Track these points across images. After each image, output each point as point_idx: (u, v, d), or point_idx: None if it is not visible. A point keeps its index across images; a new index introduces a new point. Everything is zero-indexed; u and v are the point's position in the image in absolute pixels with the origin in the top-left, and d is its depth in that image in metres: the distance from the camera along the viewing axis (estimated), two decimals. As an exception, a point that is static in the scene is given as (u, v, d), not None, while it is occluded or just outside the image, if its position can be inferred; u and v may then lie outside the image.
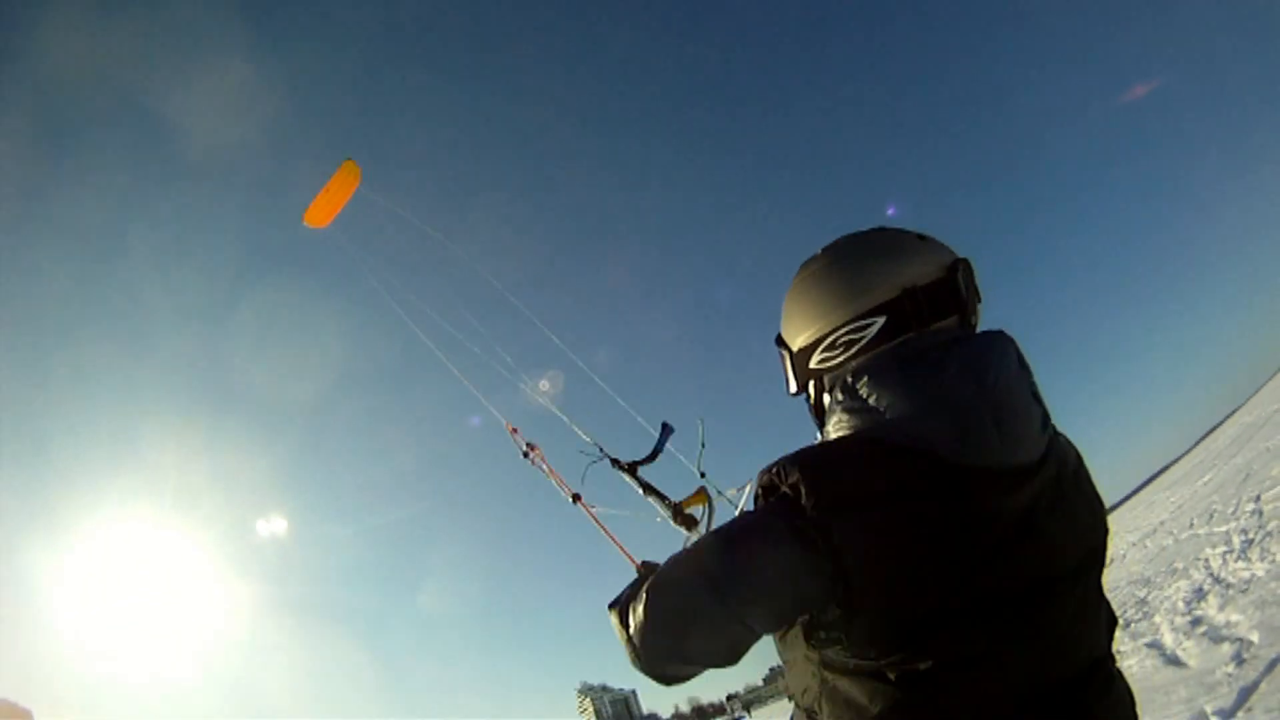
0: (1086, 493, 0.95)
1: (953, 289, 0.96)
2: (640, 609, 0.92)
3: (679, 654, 0.92)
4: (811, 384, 1.04)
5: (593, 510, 2.08)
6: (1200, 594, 7.39)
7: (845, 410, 0.92)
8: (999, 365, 0.89)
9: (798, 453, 0.88)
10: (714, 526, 1.86)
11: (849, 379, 0.94)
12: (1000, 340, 0.94)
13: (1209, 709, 4.18)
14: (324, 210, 4.16)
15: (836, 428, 0.93)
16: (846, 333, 0.96)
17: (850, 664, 0.86)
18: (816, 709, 0.93)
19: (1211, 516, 11.81)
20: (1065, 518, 0.89)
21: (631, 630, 0.94)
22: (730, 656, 0.90)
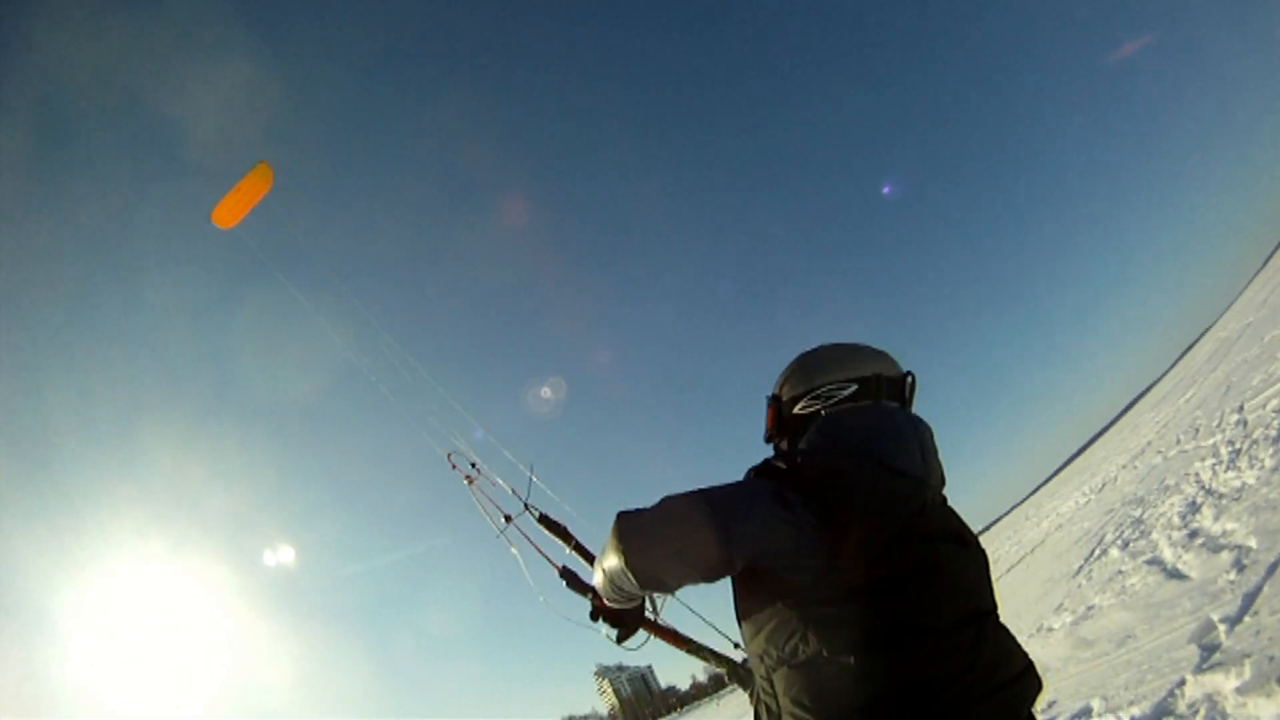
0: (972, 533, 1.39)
1: (902, 386, 1.46)
2: (637, 517, 1.17)
3: (667, 553, 1.14)
4: (782, 432, 1.47)
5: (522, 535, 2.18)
6: (1194, 507, 7.46)
7: (822, 431, 1.33)
8: (929, 432, 1.39)
9: (797, 450, 1.34)
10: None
11: (829, 416, 1.38)
12: (928, 425, 1.41)
13: (1215, 616, 4.18)
14: (232, 210, 4.10)
15: (808, 442, 1.34)
16: (832, 388, 1.42)
17: (830, 588, 1.15)
18: (788, 653, 1.19)
19: (1197, 431, 11.95)
20: (956, 517, 1.33)
21: (623, 535, 1.16)
22: (709, 571, 1.16)
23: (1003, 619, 1.28)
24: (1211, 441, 9.99)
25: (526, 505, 2.21)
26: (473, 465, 2.48)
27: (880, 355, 1.47)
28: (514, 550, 2.20)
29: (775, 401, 1.49)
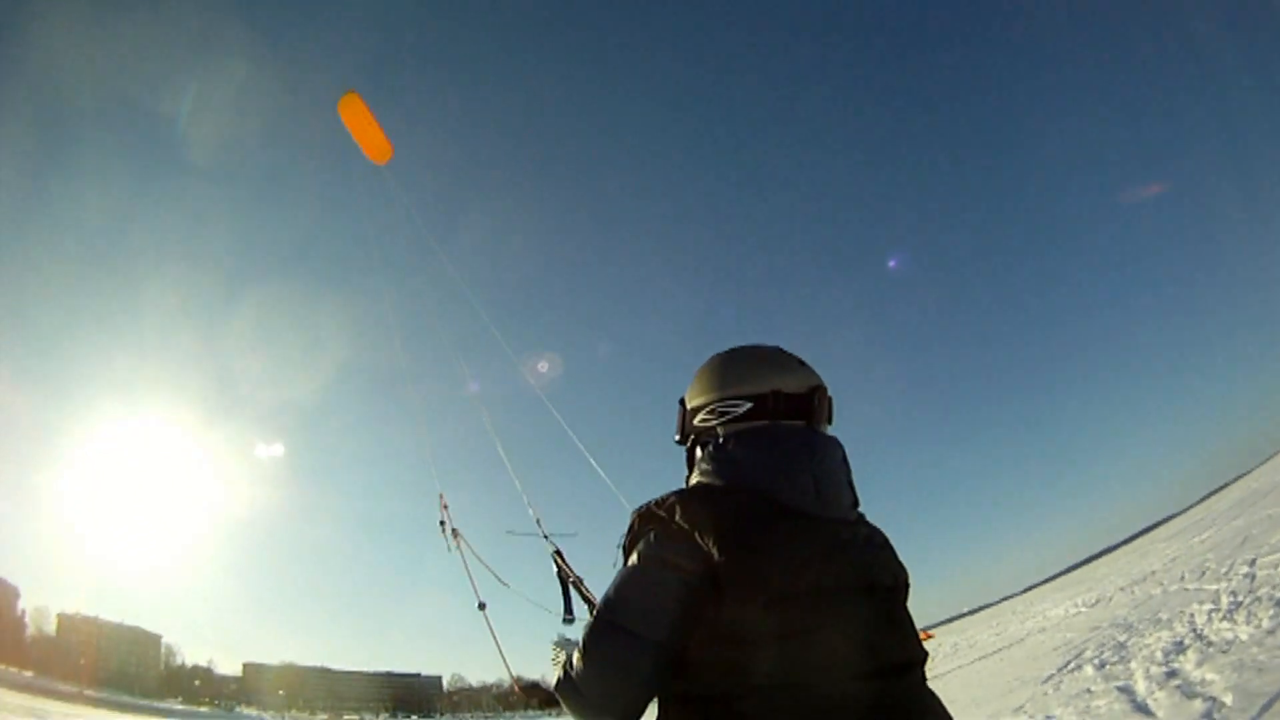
0: (891, 551, 1.31)
1: (807, 403, 1.32)
2: (582, 673, 1.16)
3: (630, 691, 1.13)
4: (691, 438, 1.39)
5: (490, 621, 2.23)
6: (1180, 647, 7.38)
7: (713, 459, 1.28)
8: (827, 453, 1.28)
9: (676, 491, 1.24)
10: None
11: (721, 439, 1.30)
12: (833, 440, 1.33)
13: (1170, 761, 4.20)
14: (352, 117, 4.30)
15: (702, 475, 1.28)
16: (725, 405, 1.33)
17: (729, 638, 1.11)
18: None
19: (1204, 573, 11.73)
20: (877, 554, 1.25)
21: (583, 692, 1.16)
22: (655, 678, 1.14)
23: (962, 704, 1.25)
24: (1215, 587, 9.81)
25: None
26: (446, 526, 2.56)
27: (784, 367, 1.34)
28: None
29: (682, 406, 1.42)
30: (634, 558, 1.20)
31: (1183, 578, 12.64)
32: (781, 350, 1.39)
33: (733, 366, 1.37)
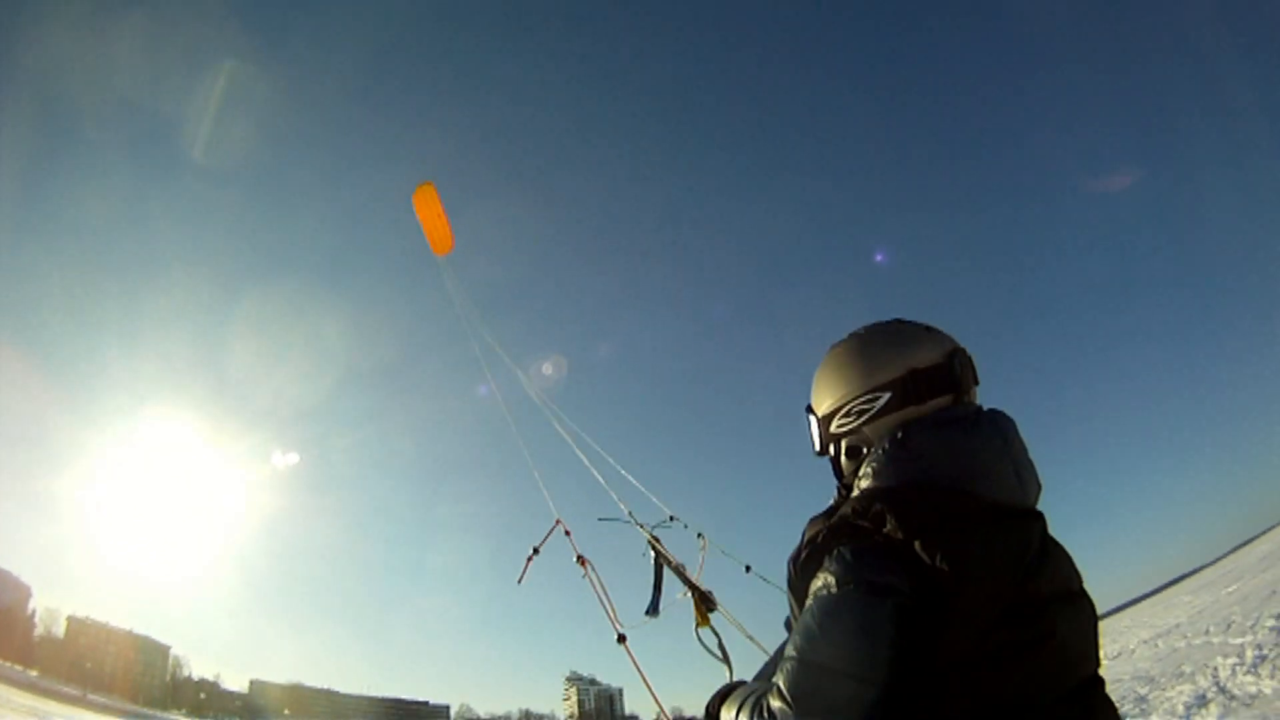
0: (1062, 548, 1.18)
1: (949, 373, 1.17)
2: None
3: None
4: (832, 446, 1.27)
5: (632, 650, 2.04)
6: (1202, 700, 7.21)
7: (893, 459, 1.11)
8: (1014, 431, 1.16)
9: (870, 491, 1.11)
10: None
11: (898, 434, 1.13)
12: (1009, 417, 1.19)
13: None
14: (423, 205, 4.43)
15: (881, 478, 1.12)
16: (860, 403, 1.19)
17: (955, 660, 0.97)
18: None
19: (1229, 627, 11.40)
20: (1065, 556, 1.12)
21: None
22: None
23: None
24: (1240, 641, 9.55)
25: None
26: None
27: (913, 340, 1.20)
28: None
29: (811, 414, 1.30)
30: (829, 582, 1.01)
31: (1208, 631, 12.29)
32: (903, 321, 1.25)
33: (857, 357, 1.23)
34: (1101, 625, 1.14)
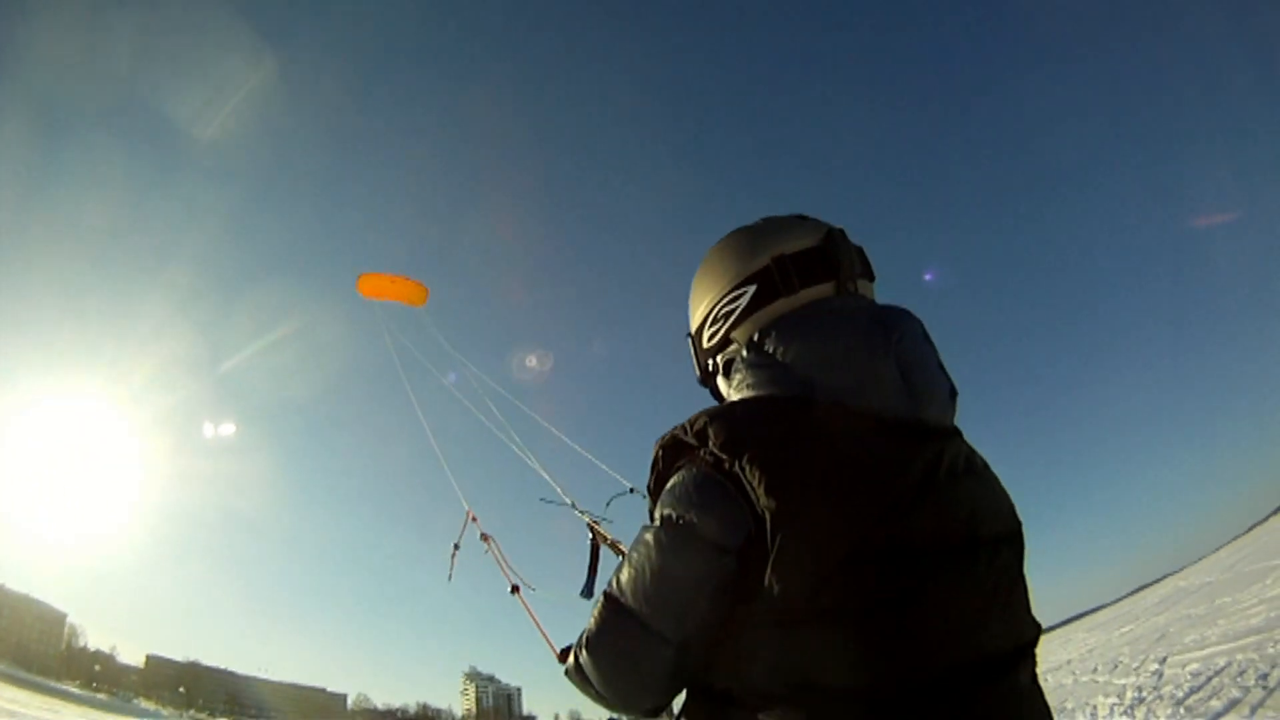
0: (997, 483, 0.92)
1: (824, 256, 0.95)
2: (589, 665, 0.89)
3: (644, 690, 0.88)
4: (711, 367, 1.04)
5: (529, 603, 2.08)
6: (1076, 740, 7.12)
7: (749, 366, 0.93)
8: (905, 328, 0.91)
9: (709, 409, 0.89)
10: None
11: (755, 336, 0.94)
12: (906, 312, 0.95)
13: None
14: (374, 289, 4.56)
15: (739, 389, 0.94)
16: (724, 305, 0.99)
17: (779, 616, 0.77)
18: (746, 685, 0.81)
19: (1116, 667, 11.78)
20: (979, 491, 0.87)
21: (594, 684, 0.90)
22: (677, 677, 0.86)
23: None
24: (1123, 682, 9.83)
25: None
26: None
27: (781, 228, 1.00)
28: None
29: (689, 340, 1.09)
30: (650, 514, 0.89)
31: (1095, 669, 12.70)
32: (773, 216, 1.04)
33: (720, 254, 1.03)
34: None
